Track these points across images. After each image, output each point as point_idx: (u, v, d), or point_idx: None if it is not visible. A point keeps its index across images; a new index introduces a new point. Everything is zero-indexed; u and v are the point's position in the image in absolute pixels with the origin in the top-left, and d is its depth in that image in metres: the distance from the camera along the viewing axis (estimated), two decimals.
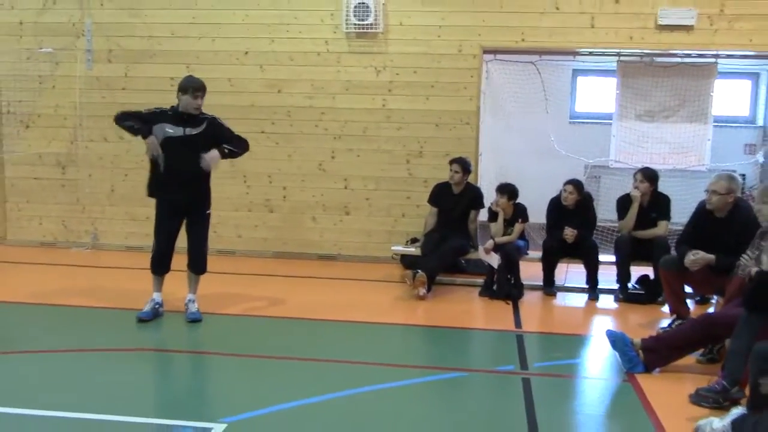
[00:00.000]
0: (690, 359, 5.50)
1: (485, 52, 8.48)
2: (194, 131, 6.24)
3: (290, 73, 8.71)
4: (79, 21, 8.93)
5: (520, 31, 8.31)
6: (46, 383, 4.98)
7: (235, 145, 6.40)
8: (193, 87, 6.26)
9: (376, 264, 8.68)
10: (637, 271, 7.56)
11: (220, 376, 5.31)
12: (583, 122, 11.22)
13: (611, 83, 10.95)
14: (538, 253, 7.78)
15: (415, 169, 8.67)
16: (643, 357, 5.30)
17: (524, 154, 10.04)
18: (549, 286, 7.61)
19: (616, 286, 7.51)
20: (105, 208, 9.22)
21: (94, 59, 8.95)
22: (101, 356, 5.57)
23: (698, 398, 4.77)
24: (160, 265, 6.41)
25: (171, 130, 6.18)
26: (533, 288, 7.64)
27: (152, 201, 8.50)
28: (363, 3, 8.35)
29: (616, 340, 5.41)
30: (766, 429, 3.97)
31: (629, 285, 7.48)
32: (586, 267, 7.51)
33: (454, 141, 8.53)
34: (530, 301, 7.37)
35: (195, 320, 6.37)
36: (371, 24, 8.39)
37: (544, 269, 7.65)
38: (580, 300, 7.53)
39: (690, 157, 8.78)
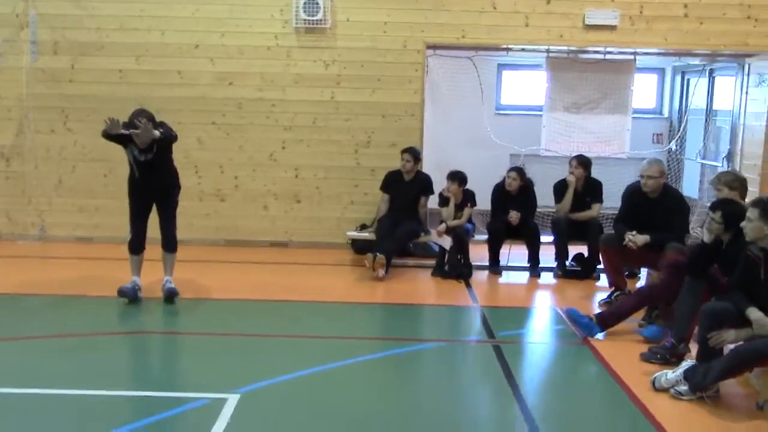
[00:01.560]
0: (628, 326, 6.20)
1: (428, 47, 8.98)
2: (151, 156, 6.58)
3: (241, 66, 8.97)
4: (22, 12, 8.87)
5: (461, 29, 8.87)
6: (51, 366, 5.19)
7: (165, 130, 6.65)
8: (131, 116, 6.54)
9: (326, 249, 9.06)
10: (572, 250, 8.27)
11: (213, 354, 5.61)
12: (508, 114, 11.90)
13: (534, 77, 11.78)
14: (482, 236, 8.39)
15: (363, 158, 9.11)
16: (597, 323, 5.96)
17: (457, 143, 10.62)
18: (495, 266, 8.23)
19: (553, 264, 8.20)
20: (52, 200, 9.21)
21: (39, 51, 8.92)
22: (90, 341, 5.79)
23: (650, 355, 5.46)
24: (136, 245, 6.87)
25: (136, 152, 6.60)
26: (480, 268, 8.23)
27: (99, 192, 8.72)
28: None
29: (570, 314, 6.09)
30: (715, 374, 4.68)
31: (566, 263, 8.18)
32: (529, 247, 8.17)
33: (399, 131, 9.02)
34: (479, 279, 7.97)
35: (171, 293, 6.73)
36: (320, 20, 8.76)
37: (490, 250, 8.26)
38: (523, 277, 8.18)
39: (612, 145, 9.58)
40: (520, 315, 6.86)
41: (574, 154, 9.19)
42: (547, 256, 8.28)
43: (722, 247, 5.25)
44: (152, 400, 4.68)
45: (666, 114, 12.03)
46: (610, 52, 9.27)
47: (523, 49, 9.41)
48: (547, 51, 9.35)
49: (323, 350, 5.70)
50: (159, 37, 8.92)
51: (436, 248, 8.71)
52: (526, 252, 8.27)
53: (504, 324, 6.53)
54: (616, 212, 7.38)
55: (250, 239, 9.22)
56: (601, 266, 7.99)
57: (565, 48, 9.14)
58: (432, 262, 8.37)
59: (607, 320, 5.98)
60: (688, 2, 8.77)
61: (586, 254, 8.21)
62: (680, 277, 5.52)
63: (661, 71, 11.92)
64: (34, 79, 8.95)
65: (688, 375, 4.82)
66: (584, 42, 8.94)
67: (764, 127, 8.98)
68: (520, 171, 8.20)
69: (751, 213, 4.67)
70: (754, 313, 4.65)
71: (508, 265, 8.39)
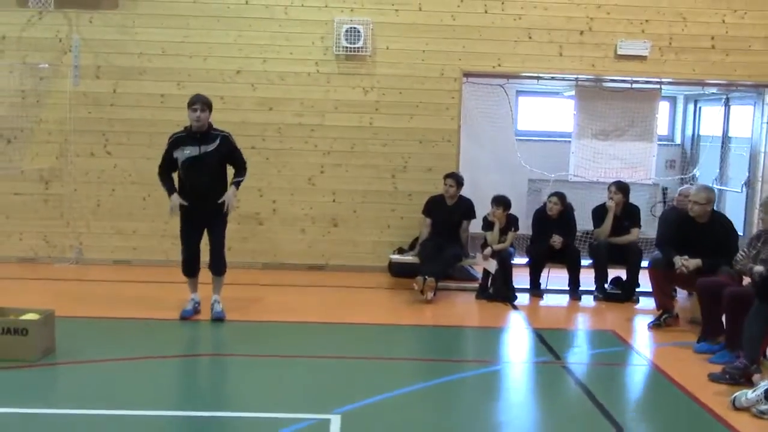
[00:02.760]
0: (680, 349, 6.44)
1: (464, 75, 9.21)
2: (209, 148, 6.72)
3: (281, 92, 9.12)
4: (66, 37, 8.95)
5: (497, 57, 9.13)
6: (141, 388, 5.26)
7: (239, 174, 6.85)
8: (190, 101, 6.69)
9: (363, 273, 9.18)
10: (610, 274, 8.48)
11: (295, 376, 5.69)
12: (525, 139, 12.17)
13: (550, 103, 12.09)
14: (520, 260, 8.58)
15: (400, 183, 9.29)
16: None
17: (479, 167, 10.78)
18: (536, 289, 8.41)
19: (592, 287, 8.40)
20: (90, 223, 9.24)
21: (81, 75, 8.99)
22: (165, 363, 5.91)
23: (720, 375, 5.65)
24: (190, 268, 6.97)
25: (188, 150, 6.67)
26: (519, 291, 8.38)
27: (137, 215, 8.78)
28: (354, 28, 8.90)
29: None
30: None
31: (605, 286, 8.40)
32: (570, 271, 8.37)
33: (436, 157, 9.22)
34: (522, 302, 8.14)
35: (219, 319, 6.87)
36: (361, 47, 8.95)
37: (531, 274, 8.45)
38: (563, 300, 8.37)
39: (639, 172, 9.87)
40: (576, 337, 7.05)
41: (601, 180, 9.52)
42: (585, 279, 8.47)
43: None
44: (256, 421, 4.76)
45: (678, 141, 12.37)
46: (636, 81, 9.56)
47: (552, 78, 9.66)
48: (576, 80, 9.62)
49: (402, 371, 5.85)
50: (201, 63, 9.04)
51: (474, 271, 8.91)
52: (565, 275, 8.46)
53: (563, 345, 6.70)
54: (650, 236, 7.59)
55: (286, 262, 9.31)
56: (639, 289, 8.28)
57: (593, 77, 9.40)
58: (472, 285, 8.55)
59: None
60: (715, 34, 9.12)
61: (624, 278, 8.41)
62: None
63: (672, 99, 12.28)
64: (76, 103, 9.02)
65: None
66: (615, 72, 9.24)
67: None
68: (561, 196, 8.42)
69: None
70: None
71: (548, 288, 8.57)
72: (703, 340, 6.51)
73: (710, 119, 11.85)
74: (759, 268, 6.11)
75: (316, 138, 9.20)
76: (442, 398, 5.32)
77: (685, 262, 6.88)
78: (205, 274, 6.99)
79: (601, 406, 5.19)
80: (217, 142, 6.66)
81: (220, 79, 9.06)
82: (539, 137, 11.92)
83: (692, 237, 7.06)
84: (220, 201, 6.71)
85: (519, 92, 11.96)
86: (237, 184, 6.84)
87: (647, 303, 8.16)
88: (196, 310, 6.95)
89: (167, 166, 6.76)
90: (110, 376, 5.50)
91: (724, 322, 6.21)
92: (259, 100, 9.11)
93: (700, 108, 12.11)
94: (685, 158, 12.34)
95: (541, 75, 9.45)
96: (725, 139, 11.21)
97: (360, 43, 8.93)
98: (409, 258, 8.62)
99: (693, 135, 12.30)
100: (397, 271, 8.93)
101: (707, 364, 6.10)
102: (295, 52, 9.07)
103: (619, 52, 9.13)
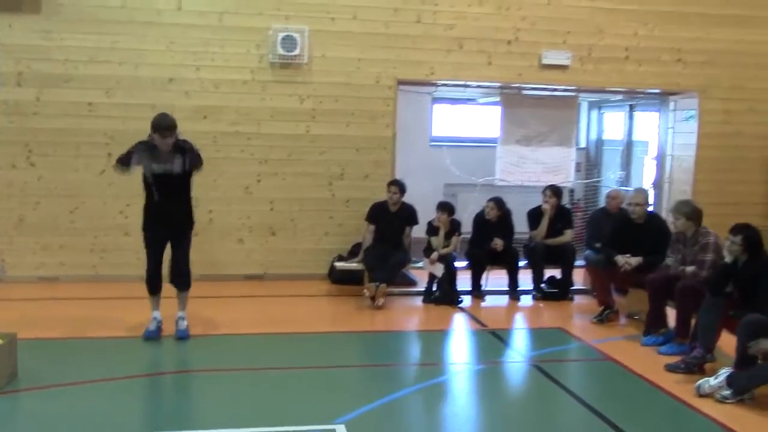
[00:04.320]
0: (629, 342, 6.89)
1: (399, 83, 9.38)
2: (176, 161, 6.53)
3: (216, 100, 8.96)
4: None
5: (430, 66, 9.35)
6: (119, 411, 5.09)
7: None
8: (162, 127, 6.41)
9: (302, 281, 9.16)
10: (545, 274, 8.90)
11: (280, 388, 5.64)
12: (440, 145, 12.50)
13: (464, 110, 12.52)
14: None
15: (337, 190, 9.34)
16: None
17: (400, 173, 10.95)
18: (478, 291, 8.69)
19: (529, 288, 8.77)
20: (13, 239, 8.74)
21: (1, 82, 8.50)
22: (141, 382, 5.76)
23: (678, 364, 6.09)
24: (154, 285, 6.74)
25: (156, 167, 6.47)
26: (461, 293, 8.63)
27: (64, 230, 8.44)
28: (290, 35, 8.88)
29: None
30: (761, 378, 5.36)
31: (542, 286, 8.79)
32: (509, 272, 8.70)
33: (372, 164, 9.34)
34: (466, 304, 8.39)
35: (183, 337, 6.72)
36: (297, 55, 8.94)
37: (473, 276, 8.72)
38: (503, 300, 8.69)
39: (559, 175, 10.36)
40: (531, 335, 7.37)
41: (526, 184, 9.98)
42: (522, 279, 8.82)
43: (738, 267, 5.98)
44: None
45: (583, 145, 13.06)
46: (555, 89, 10.05)
47: (479, 86, 10.01)
48: (501, 88, 10.01)
49: (385, 377, 5.93)
50: (132, 70, 8.75)
51: (414, 276, 9.10)
52: (501, 277, 8.78)
53: (523, 344, 6.99)
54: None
55: (224, 273, 9.16)
56: (573, 287, 8.74)
57: (520, 85, 9.81)
58: (412, 289, 8.74)
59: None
60: (628, 46, 9.72)
61: (557, 277, 8.83)
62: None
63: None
64: None
65: (731, 381, 5.47)
66: (540, 80, 9.67)
67: (693, 158, 10.06)
68: (497, 201, 8.73)
69: None
70: None
71: (488, 289, 8.86)
72: (648, 333, 6.97)
73: (613, 124, 12.62)
74: (690, 268, 6.64)
75: (252, 146, 9.11)
76: (435, 400, 5.46)
77: (628, 260, 7.33)
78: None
79: (581, 400, 5.48)
80: (183, 153, 6.49)
81: (152, 86, 8.80)
82: (454, 143, 12.29)
83: (631, 237, 7.54)
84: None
85: (434, 99, 12.33)
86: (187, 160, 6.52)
87: (582, 300, 8.65)
88: (159, 330, 6.71)
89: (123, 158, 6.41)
90: (84, 401, 5.29)
91: (675, 315, 6.66)
92: (194, 108, 8.91)
93: (603, 114, 12.85)
94: (590, 161, 13.08)
95: (470, 83, 9.73)
96: (630, 143, 11.97)
97: (296, 51, 8.92)
98: (354, 265, 8.69)
99: (597, 139, 13.04)
100: (338, 278, 8.98)
101: (657, 355, 6.55)
102: (230, 60, 8.94)
103: (543, 62, 9.56)
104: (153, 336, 6.65)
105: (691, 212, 6.85)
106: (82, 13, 8.59)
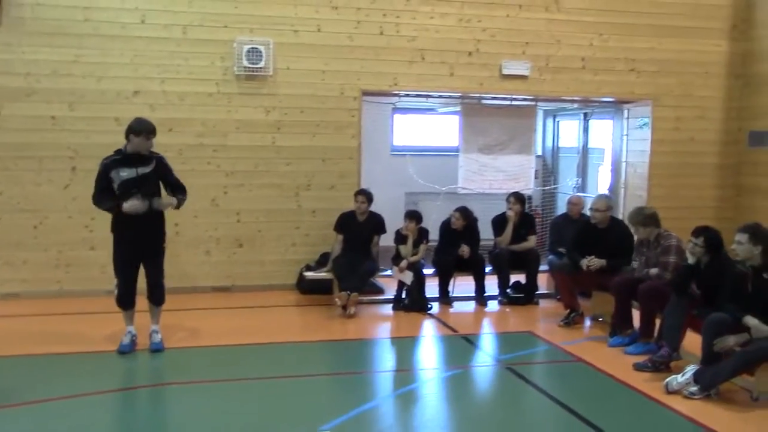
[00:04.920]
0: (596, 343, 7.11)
1: (363, 94, 9.50)
2: (146, 170, 6.58)
3: (181, 113, 8.96)
4: None
5: (393, 77, 9.50)
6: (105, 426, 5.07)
7: (180, 193, 6.80)
8: (146, 130, 6.56)
9: (270, 292, 9.20)
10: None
11: (257, 399, 5.68)
12: (402, 154, 12.64)
13: (424, 120, 12.71)
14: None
15: (304, 201, 9.41)
16: None
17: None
18: (445, 297, 8.84)
19: (495, 293, 8.94)
20: None
21: None
22: (113, 397, 5.73)
23: (645, 363, 6.31)
24: (126, 302, 6.74)
25: (125, 173, 6.47)
26: (428, 299, 8.77)
27: (28, 245, 8.33)
28: (255, 48, 8.94)
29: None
30: (725, 374, 5.60)
31: (507, 291, 8.98)
32: (476, 278, 8.87)
33: (338, 174, 9.44)
34: (436, 310, 8.53)
35: (158, 350, 6.74)
36: (262, 67, 9.00)
37: (440, 283, 8.87)
38: (471, 306, 8.84)
39: (519, 182, 10.59)
40: (502, 339, 7.54)
41: (488, 192, 10.19)
42: (488, 285, 9.00)
43: (701, 268, 6.25)
44: None
45: (539, 152, 13.33)
46: (515, 98, 10.30)
47: (440, 96, 10.19)
48: (461, 97, 10.21)
49: (363, 385, 6.02)
50: (95, 84, 8.70)
51: (381, 284, 9.21)
52: (466, 283, 8.94)
53: (496, 348, 7.16)
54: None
55: (192, 285, 9.13)
56: (538, 292, 8.95)
57: (481, 95, 10.02)
58: (380, 297, 8.85)
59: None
60: (585, 56, 10.02)
61: (522, 282, 9.03)
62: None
63: None
64: None
65: (697, 377, 5.71)
66: (500, 90, 9.90)
67: (647, 164, 10.40)
68: (463, 211, 8.88)
69: (741, 237, 5.68)
70: (751, 321, 5.63)
71: (455, 296, 9.01)
72: (614, 334, 7.20)
73: (568, 132, 12.94)
74: (654, 271, 6.91)
75: (218, 158, 9.12)
76: (416, 404, 5.60)
77: (591, 261, 7.56)
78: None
79: (557, 400, 5.65)
80: (153, 164, 6.54)
81: (116, 100, 8.75)
82: (414, 152, 12.43)
83: (594, 241, 7.79)
84: (157, 206, 6.55)
85: (395, 109, 12.46)
86: (179, 200, 6.71)
87: (547, 304, 8.87)
88: (134, 344, 6.71)
89: (101, 191, 6.46)
90: (59, 418, 5.26)
91: (639, 316, 6.90)
92: (159, 121, 8.60)
93: (558, 122, 13.16)
94: (546, 168, 13.36)
95: (433, 94, 9.90)
96: (585, 151, 12.28)
97: (261, 63, 8.97)
98: (323, 274, 8.75)
99: (553, 147, 13.35)
100: (307, 287, 9.03)
101: (624, 355, 6.78)
102: (194, 72, 8.95)
103: (503, 72, 9.79)
104: (127, 350, 6.65)
105: (644, 219, 7.14)
106: (44, 26, 8.51)
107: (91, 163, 8.44)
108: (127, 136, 6.54)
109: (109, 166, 6.47)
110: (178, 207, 6.82)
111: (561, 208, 12.77)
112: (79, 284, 8.79)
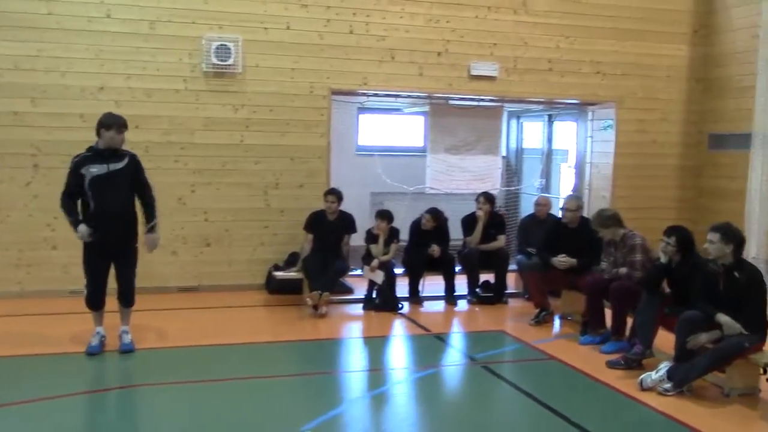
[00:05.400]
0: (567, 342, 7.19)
1: (333, 93, 9.46)
2: (118, 165, 6.45)
3: (148, 110, 8.79)
4: None
5: (363, 76, 9.48)
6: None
7: (150, 204, 6.67)
8: (117, 124, 6.46)
9: (238, 292, 9.09)
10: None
11: (236, 401, 5.60)
12: (369, 154, 12.62)
13: (389, 119, 12.71)
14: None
15: (273, 200, 9.32)
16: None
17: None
18: (416, 296, 8.84)
19: (464, 292, 8.97)
20: None
21: None
22: (85, 399, 5.59)
23: (618, 361, 6.40)
24: (96, 303, 6.59)
25: (95, 169, 6.35)
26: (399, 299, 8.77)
27: None
28: (224, 45, 8.83)
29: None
30: (699, 370, 5.71)
31: (477, 290, 9.03)
32: (445, 277, 8.89)
33: (307, 173, 9.38)
34: (407, 310, 8.52)
35: (128, 351, 6.61)
36: (231, 65, 8.89)
37: (410, 283, 8.87)
38: (440, 305, 8.86)
39: (486, 182, 10.65)
40: (476, 338, 7.55)
41: (455, 192, 10.24)
42: (457, 285, 9.03)
43: (672, 266, 6.36)
44: None
45: (504, 153, 13.42)
46: (482, 99, 10.36)
47: (408, 96, 10.19)
48: (429, 97, 10.23)
49: (341, 385, 6.00)
50: (59, 79, 8.50)
51: (349, 284, 9.18)
52: (435, 282, 8.96)
53: (470, 347, 7.18)
54: None
55: (158, 285, 8.97)
56: (508, 291, 9.02)
57: (450, 95, 10.06)
58: (349, 297, 8.82)
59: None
60: (551, 58, 10.13)
61: (492, 282, 9.08)
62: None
63: None
64: None
65: (671, 374, 5.81)
66: (469, 90, 9.95)
67: (611, 165, 10.56)
68: (433, 213, 8.90)
69: (713, 237, 5.79)
70: (722, 318, 5.74)
71: (425, 295, 9.02)
72: (585, 333, 7.28)
73: (532, 134, 13.07)
74: (623, 270, 7.02)
75: (185, 156, 8.99)
76: (394, 403, 5.60)
77: (562, 260, 7.65)
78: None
79: (534, 398, 5.69)
80: (126, 160, 6.41)
81: (81, 95, 8.56)
82: (379, 152, 12.41)
83: (564, 241, 7.87)
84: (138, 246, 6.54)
85: (360, 109, 12.43)
86: (153, 229, 6.58)
87: (515, 303, 8.94)
88: (103, 345, 6.57)
89: (71, 191, 6.33)
90: (28, 421, 5.12)
91: (611, 315, 6.99)
92: (125, 117, 8.66)
93: (522, 123, 13.28)
94: (510, 169, 13.46)
95: (402, 93, 9.90)
96: (549, 152, 12.42)
97: (230, 61, 8.87)
98: (293, 274, 8.69)
99: (517, 148, 13.46)
100: (276, 287, 8.95)
101: (597, 353, 6.86)
102: (161, 69, 8.80)
103: (472, 73, 9.84)
104: (96, 351, 6.50)
105: (604, 221, 7.25)
106: (5, 19, 8.29)
107: (53, 161, 8.38)
108: (98, 132, 6.42)
109: (79, 163, 6.33)
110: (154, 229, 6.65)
111: (525, 208, 12.90)
112: (40, 284, 8.58)
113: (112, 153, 6.35)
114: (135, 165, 6.49)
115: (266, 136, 9.21)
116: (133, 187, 6.50)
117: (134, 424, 5.25)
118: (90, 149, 6.40)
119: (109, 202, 6.34)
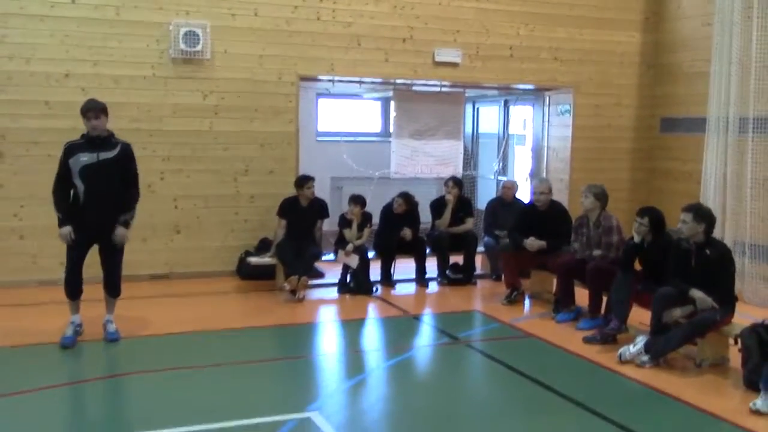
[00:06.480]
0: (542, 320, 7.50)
1: (301, 79, 9.50)
2: (108, 155, 6.41)
3: (115, 97, 8.62)
4: None
5: (330, 62, 9.55)
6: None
7: (132, 197, 6.64)
8: (92, 108, 6.41)
9: (209, 279, 9.09)
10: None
11: (238, 383, 5.66)
12: (326, 140, 12.70)
13: (347, 105, 12.81)
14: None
15: (242, 186, 9.33)
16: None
17: None
18: (388, 280, 9.01)
19: (434, 275, 9.18)
20: None
21: None
22: (73, 390, 5.62)
23: (594, 336, 6.70)
24: (74, 289, 6.53)
25: (86, 158, 6.33)
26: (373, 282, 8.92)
27: None
28: (192, 31, 8.78)
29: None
30: (674, 343, 6.04)
31: (447, 272, 9.25)
32: (417, 260, 9.08)
33: (276, 160, 9.42)
34: (380, 292, 8.68)
35: (114, 340, 6.60)
36: (199, 51, 8.85)
37: (383, 266, 9.03)
38: (412, 288, 9.04)
39: (449, 167, 10.88)
40: (453, 319, 7.76)
41: (419, 176, 10.45)
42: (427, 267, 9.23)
43: (645, 246, 6.67)
44: (243, 428, 4.78)
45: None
46: (444, 86, 10.55)
47: (372, 82, 10.31)
48: (393, 83, 10.37)
49: (336, 366, 6.13)
50: (23, 65, 8.33)
51: (321, 268, 9.28)
52: (405, 265, 9.14)
53: (450, 328, 7.37)
54: None
55: (127, 274, 8.84)
56: (477, 272, 9.27)
57: (415, 81, 10.22)
58: (322, 281, 8.93)
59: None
60: (512, 45, 10.38)
61: (461, 263, 9.31)
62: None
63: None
64: None
65: (648, 347, 6.12)
66: (434, 77, 10.11)
67: (568, 149, 10.90)
68: (405, 197, 9.06)
69: (686, 216, 6.11)
70: (696, 293, 6.08)
71: (397, 278, 9.19)
72: (559, 311, 7.57)
73: (488, 118, 13.33)
74: (597, 252, 7.32)
75: (154, 143, 8.91)
76: (394, 380, 5.80)
77: (533, 242, 7.92)
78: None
79: (522, 373, 5.94)
80: (117, 150, 6.36)
81: (46, 83, 8.41)
82: (339, 137, 12.51)
83: (535, 223, 8.14)
84: (113, 242, 6.44)
85: (318, 95, 12.49)
86: (126, 223, 6.49)
87: (484, 284, 9.19)
88: (77, 334, 6.50)
89: (64, 179, 6.26)
90: (20, 412, 5.12)
91: (588, 294, 7.28)
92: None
93: (478, 109, 13.53)
94: (467, 153, 13.70)
95: (366, 79, 10.00)
96: (507, 136, 12.70)
97: (198, 47, 8.82)
98: (267, 260, 8.74)
99: (473, 133, 13.70)
100: (248, 273, 8.99)
101: (572, 330, 7.16)
102: (128, 55, 8.70)
103: (436, 59, 10.01)
104: (69, 343, 6.38)
105: (600, 193, 7.53)
106: None
107: (19, 149, 8.26)
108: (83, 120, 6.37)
109: (67, 152, 6.26)
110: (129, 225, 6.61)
111: (482, 192, 13.18)
112: (8, 275, 8.41)
113: (104, 141, 6.29)
114: (126, 155, 6.43)
115: (235, 123, 9.21)
116: (123, 177, 6.43)
117: (122, 413, 5.28)
118: (83, 136, 6.34)
119: (99, 192, 6.30)
